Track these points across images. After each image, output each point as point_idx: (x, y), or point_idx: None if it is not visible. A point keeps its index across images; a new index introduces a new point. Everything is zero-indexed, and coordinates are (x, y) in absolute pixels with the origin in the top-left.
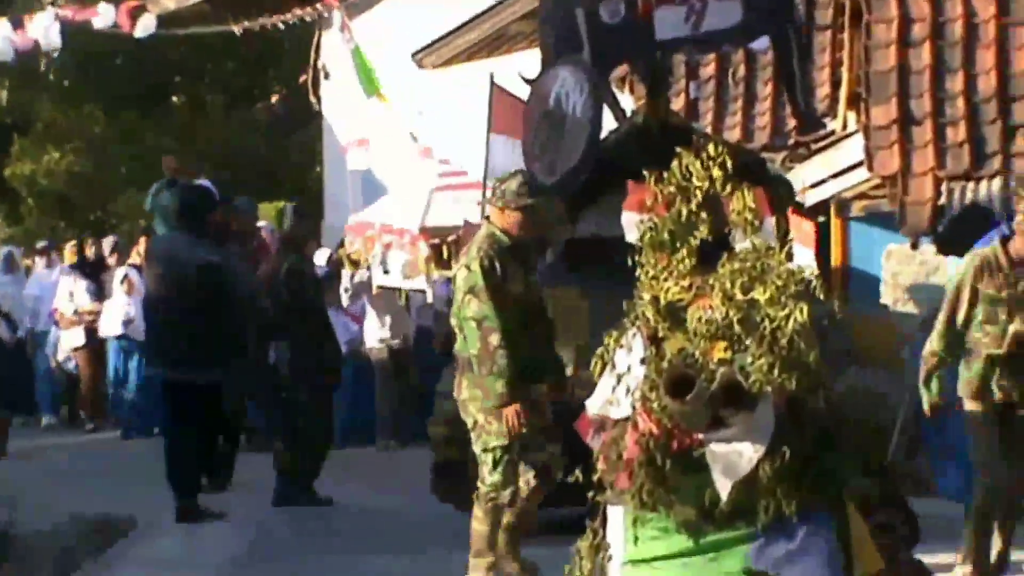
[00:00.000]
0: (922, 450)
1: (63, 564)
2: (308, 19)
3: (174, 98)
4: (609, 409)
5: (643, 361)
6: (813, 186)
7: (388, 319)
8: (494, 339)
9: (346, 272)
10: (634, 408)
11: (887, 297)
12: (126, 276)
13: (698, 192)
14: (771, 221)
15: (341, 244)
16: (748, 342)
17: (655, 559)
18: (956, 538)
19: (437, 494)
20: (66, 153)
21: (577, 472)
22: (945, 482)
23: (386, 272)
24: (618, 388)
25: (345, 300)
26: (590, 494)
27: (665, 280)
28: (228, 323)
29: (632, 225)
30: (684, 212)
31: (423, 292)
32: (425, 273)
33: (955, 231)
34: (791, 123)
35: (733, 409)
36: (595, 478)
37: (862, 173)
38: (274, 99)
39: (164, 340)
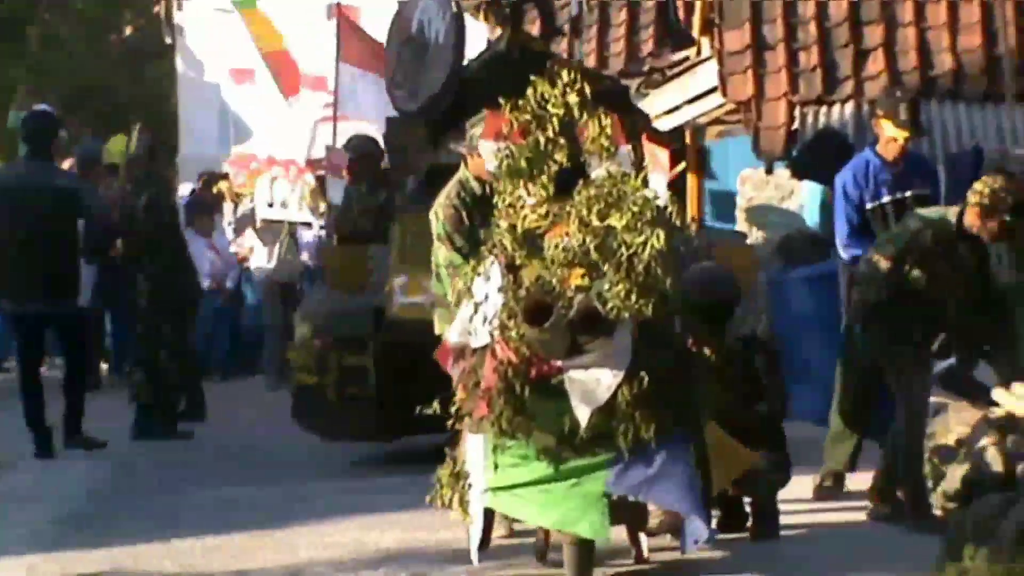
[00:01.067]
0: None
1: None
2: None
3: (28, 29)
4: (468, 338)
5: (501, 289)
6: (668, 112)
7: (275, 253)
8: (460, 284)
9: (228, 205)
10: (492, 336)
11: (742, 222)
12: None
13: (554, 119)
14: (626, 148)
15: (219, 176)
16: (605, 268)
17: (516, 486)
18: (815, 461)
19: (297, 421)
20: None
21: (435, 402)
22: (800, 404)
23: (270, 205)
24: (475, 317)
25: (230, 233)
26: (449, 423)
27: (522, 208)
28: (79, 253)
29: (490, 153)
30: (540, 140)
31: (310, 225)
32: (312, 205)
33: (809, 155)
34: (646, 50)
35: (591, 336)
36: (454, 407)
37: (716, 99)
38: (128, 30)
39: (17, 271)
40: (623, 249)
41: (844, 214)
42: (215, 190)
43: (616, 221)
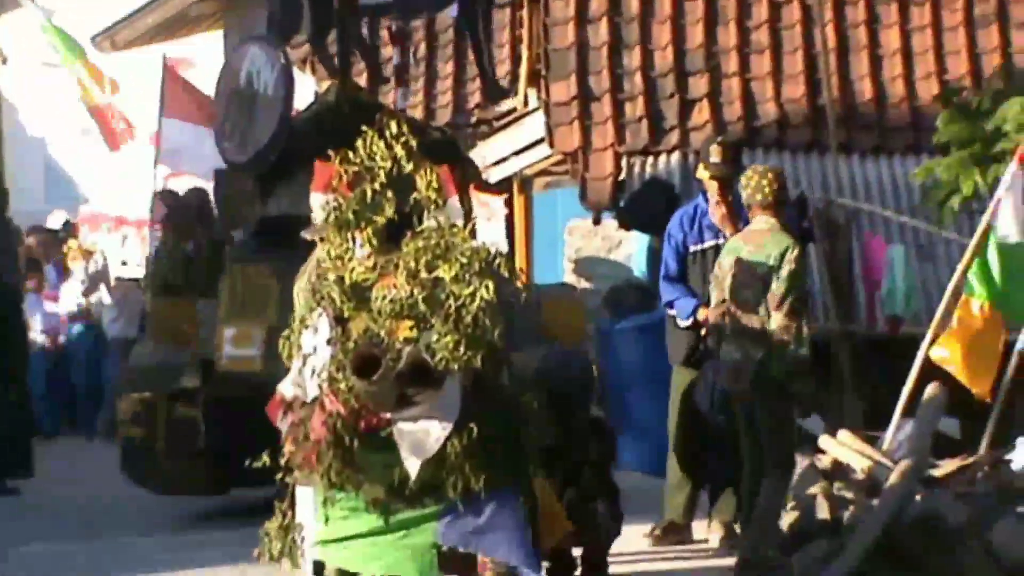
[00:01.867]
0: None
1: None
2: None
3: None
4: (297, 391)
5: (329, 342)
6: (496, 163)
7: (126, 310)
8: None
9: (79, 264)
10: (321, 389)
11: (570, 273)
12: None
13: (381, 171)
14: (456, 199)
15: (45, 231)
16: (433, 320)
17: (346, 538)
18: (644, 510)
19: (126, 475)
20: None
21: (264, 455)
22: (627, 455)
23: (124, 263)
24: (304, 369)
25: (79, 289)
26: (278, 476)
27: (350, 260)
28: None
29: (319, 205)
30: (368, 191)
31: None
32: None
33: (636, 206)
34: (473, 101)
35: (419, 388)
36: (283, 460)
37: (544, 150)
38: None
39: None
40: (451, 300)
41: (665, 257)
42: (66, 248)
43: (444, 272)
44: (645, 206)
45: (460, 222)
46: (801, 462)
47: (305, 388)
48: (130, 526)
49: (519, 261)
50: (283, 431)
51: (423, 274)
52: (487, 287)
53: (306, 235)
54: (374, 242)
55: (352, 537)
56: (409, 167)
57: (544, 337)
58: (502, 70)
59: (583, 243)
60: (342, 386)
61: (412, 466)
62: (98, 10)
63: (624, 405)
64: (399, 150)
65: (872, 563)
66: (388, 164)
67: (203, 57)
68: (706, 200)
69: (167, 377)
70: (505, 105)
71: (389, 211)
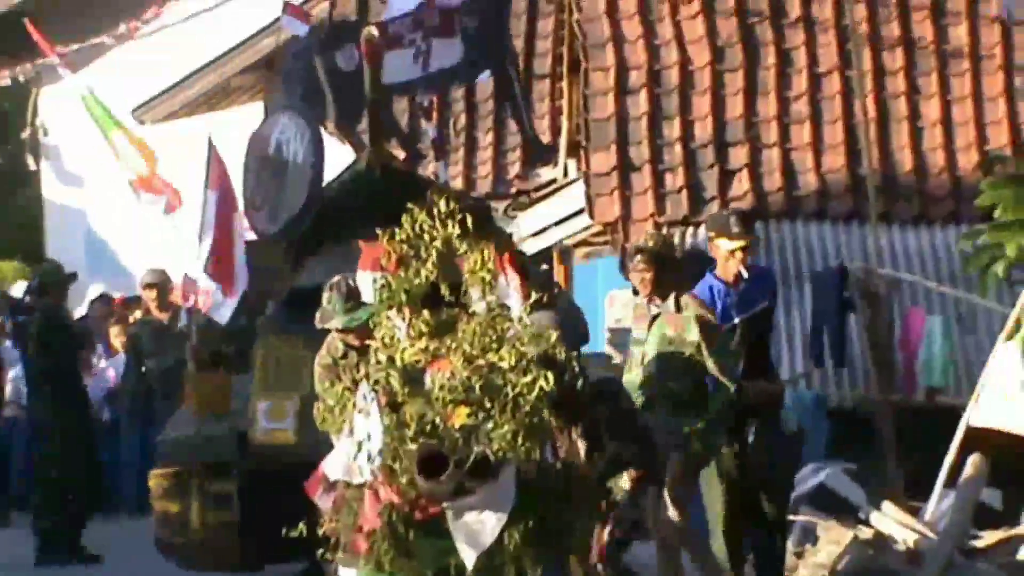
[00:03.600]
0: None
1: None
2: (22, 78)
3: None
4: (349, 475)
5: (383, 429)
6: (535, 234)
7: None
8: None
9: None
10: (375, 476)
11: (607, 343)
12: None
13: (432, 249)
14: (505, 280)
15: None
16: (489, 407)
17: None
18: None
19: (159, 550)
20: None
21: (301, 526)
22: None
23: None
24: (359, 456)
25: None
26: (320, 552)
27: (399, 342)
28: None
29: (367, 285)
30: (418, 270)
31: None
32: None
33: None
34: (513, 171)
35: (478, 479)
36: (321, 534)
37: (584, 220)
38: None
39: None
40: (509, 388)
41: None
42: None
43: (502, 360)
44: (685, 276)
45: (512, 303)
46: (844, 532)
47: (354, 472)
48: None
49: None
50: (323, 509)
51: (479, 360)
52: (546, 378)
53: (319, 324)
54: (425, 324)
55: None
56: (462, 247)
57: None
58: (544, 141)
59: (623, 313)
60: (399, 476)
61: (469, 558)
62: (137, 83)
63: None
64: (452, 227)
65: None
66: (438, 243)
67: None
68: (715, 277)
69: (202, 450)
70: (545, 176)
71: (441, 291)
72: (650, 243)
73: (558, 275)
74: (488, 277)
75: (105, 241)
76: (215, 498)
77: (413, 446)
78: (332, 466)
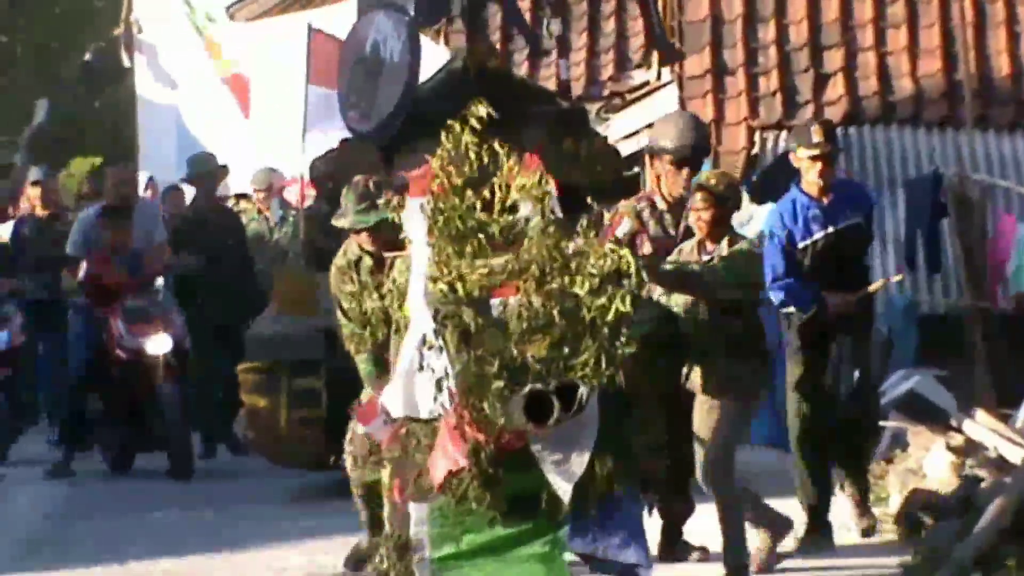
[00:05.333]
0: None
1: None
2: None
3: None
4: (417, 411)
5: (459, 362)
6: (627, 136)
7: None
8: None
9: None
10: (460, 415)
11: None
12: None
13: (475, 167)
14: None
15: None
16: (568, 334)
17: (466, 555)
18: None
19: (249, 443)
20: None
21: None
22: (757, 430)
23: None
24: (440, 396)
25: None
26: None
27: (459, 265)
28: None
29: (418, 211)
30: (470, 194)
31: None
32: None
33: (769, 180)
34: (605, 74)
35: (564, 410)
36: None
37: None
38: (86, 55)
39: None
40: (585, 312)
41: (769, 258)
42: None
43: (579, 287)
44: (778, 180)
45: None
46: (934, 438)
47: (422, 408)
48: (254, 495)
49: None
50: (378, 439)
51: (553, 284)
52: (623, 298)
53: (333, 221)
54: (486, 246)
55: (473, 553)
56: (509, 162)
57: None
58: (635, 44)
59: None
60: (481, 412)
61: (564, 492)
62: None
63: None
64: (497, 145)
65: (1003, 542)
66: (485, 161)
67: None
68: (800, 191)
69: (290, 347)
70: (638, 78)
71: (497, 212)
72: (713, 181)
73: (649, 178)
74: (544, 193)
75: (196, 138)
76: (303, 394)
77: (497, 383)
78: (392, 401)
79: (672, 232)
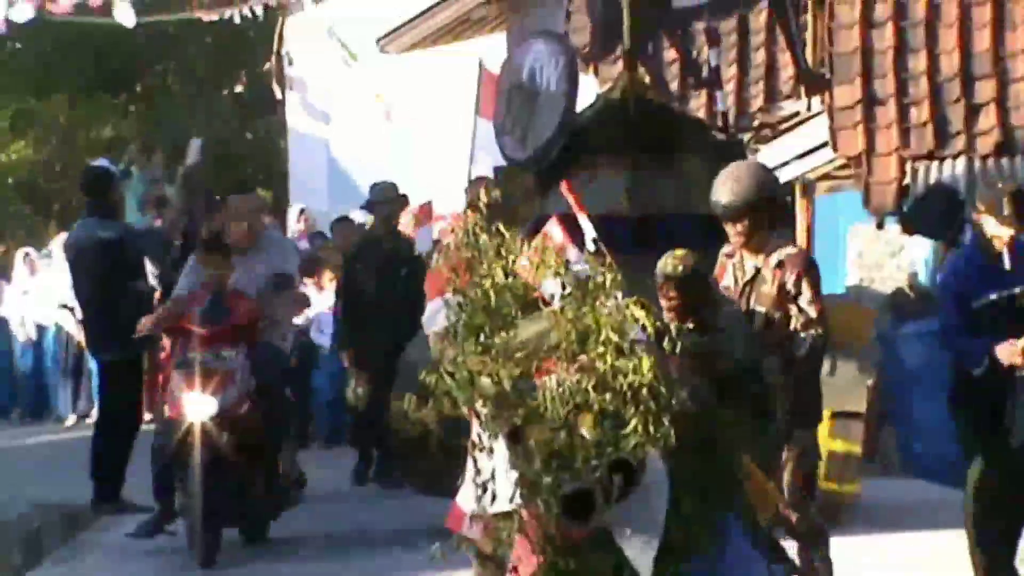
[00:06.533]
0: (888, 427)
1: (29, 551)
2: (272, 4)
3: (138, 86)
4: (486, 510)
5: (511, 464)
6: (777, 167)
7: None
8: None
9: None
10: (520, 517)
11: (852, 277)
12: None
13: (491, 254)
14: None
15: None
16: (609, 404)
17: None
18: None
19: (400, 475)
20: (30, 142)
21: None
22: (913, 459)
23: None
24: (484, 497)
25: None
26: None
27: (494, 360)
28: (130, 300)
29: (438, 315)
30: (487, 287)
31: None
32: None
33: (920, 211)
34: (755, 104)
35: (624, 485)
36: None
37: (827, 154)
38: (238, 87)
39: (85, 323)
40: (620, 378)
41: (943, 313)
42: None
43: (599, 357)
44: (929, 211)
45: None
46: None
47: (489, 506)
48: (391, 541)
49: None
50: (473, 539)
51: (583, 357)
52: (641, 360)
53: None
54: (514, 335)
55: None
56: (520, 244)
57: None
58: (785, 75)
59: (865, 247)
60: (542, 509)
61: (645, 568)
62: (378, 13)
63: (907, 409)
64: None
65: None
66: (496, 245)
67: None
68: (976, 250)
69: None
70: (788, 109)
71: (519, 293)
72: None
73: (800, 209)
74: (558, 263)
75: (348, 173)
76: (453, 421)
77: (547, 478)
78: (465, 500)
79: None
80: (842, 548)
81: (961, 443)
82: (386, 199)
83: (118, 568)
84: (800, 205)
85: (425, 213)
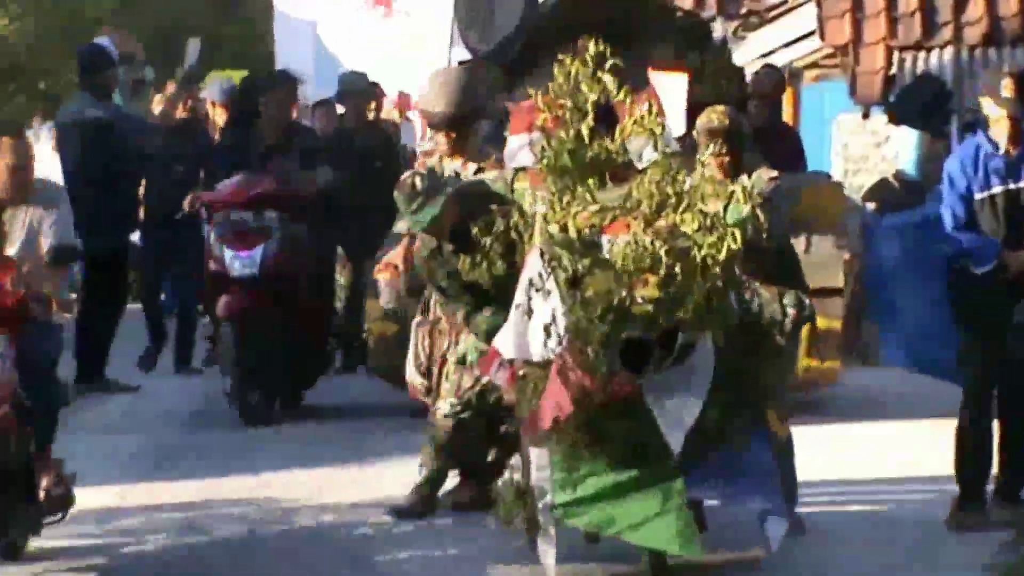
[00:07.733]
0: (867, 318)
1: None
2: None
3: None
4: (529, 354)
5: (566, 307)
6: (764, 55)
7: None
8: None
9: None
10: (563, 359)
11: (837, 167)
12: None
13: (591, 104)
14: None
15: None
16: (678, 273)
17: (588, 500)
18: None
19: (374, 370)
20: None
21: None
22: (890, 351)
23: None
24: (550, 341)
25: None
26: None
27: (570, 204)
28: (124, 186)
29: (522, 149)
30: (581, 128)
31: None
32: None
33: (906, 101)
34: None
35: (671, 356)
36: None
37: (814, 42)
38: None
39: (76, 209)
40: (696, 251)
41: (949, 205)
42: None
43: (688, 226)
44: (915, 101)
45: (674, 146)
46: None
47: (534, 352)
48: (380, 412)
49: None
50: (499, 383)
51: (660, 221)
52: (734, 236)
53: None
54: (596, 184)
55: (595, 498)
56: (620, 95)
57: (797, 224)
58: None
59: (851, 138)
60: (589, 358)
61: (676, 441)
62: None
63: (887, 301)
64: (606, 77)
65: None
66: (596, 95)
67: None
68: (986, 138)
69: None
70: None
71: (606, 147)
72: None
73: (786, 98)
74: (658, 128)
75: (335, 56)
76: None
77: (603, 326)
78: (505, 344)
79: None
80: (820, 437)
81: (962, 337)
82: (355, 90)
83: (101, 442)
84: (786, 94)
85: (404, 103)
